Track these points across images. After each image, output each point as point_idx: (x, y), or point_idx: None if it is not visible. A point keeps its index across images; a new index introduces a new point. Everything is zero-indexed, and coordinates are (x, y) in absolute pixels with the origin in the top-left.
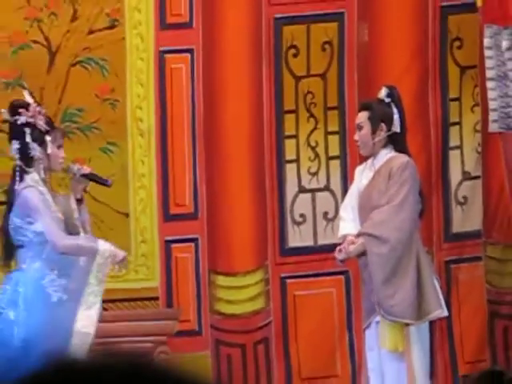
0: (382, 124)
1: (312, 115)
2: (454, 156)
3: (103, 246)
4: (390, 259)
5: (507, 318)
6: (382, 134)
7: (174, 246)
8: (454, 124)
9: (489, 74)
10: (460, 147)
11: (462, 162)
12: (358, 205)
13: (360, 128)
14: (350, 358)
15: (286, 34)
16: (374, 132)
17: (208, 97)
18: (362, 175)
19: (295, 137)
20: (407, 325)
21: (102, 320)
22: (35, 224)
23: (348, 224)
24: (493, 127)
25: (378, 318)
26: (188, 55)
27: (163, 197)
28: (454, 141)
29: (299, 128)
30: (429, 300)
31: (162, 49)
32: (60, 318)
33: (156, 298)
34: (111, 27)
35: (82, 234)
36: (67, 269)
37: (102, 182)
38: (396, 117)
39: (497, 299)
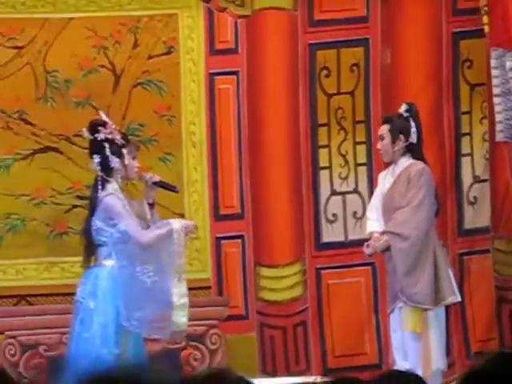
0: (401, 135)
1: (342, 128)
2: (465, 162)
3: (175, 223)
4: (411, 254)
5: None
6: (401, 144)
7: (223, 242)
8: (465, 134)
9: (495, 90)
10: (471, 154)
11: (473, 167)
12: (381, 206)
13: (382, 138)
14: (377, 338)
15: (319, 58)
16: (393, 142)
17: (251, 113)
18: (385, 180)
19: (327, 146)
20: (426, 310)
21: None
22: (118, 225)
23: (374, 223)
24: (499, 137)
25: (400, 304)
26: (234, 77)
27: (214, 199)
28: (465, 149)
29: (331, 139)
30: (444, 287)
31: (211, 71)
32: (158, 297)
33: (208, 288)
34: (168, 53)
35: (158, 223)
36: (153, 255)
37: (170, 189)
38: (413, 130)
39: (503, 286)
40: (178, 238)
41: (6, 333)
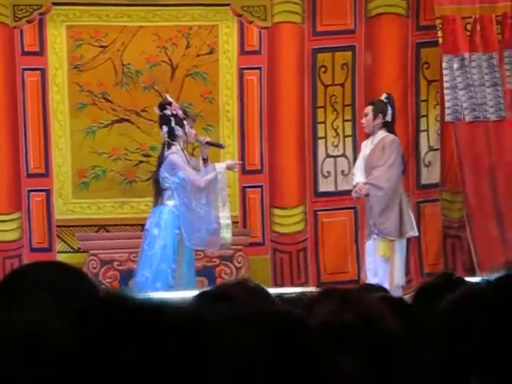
0: (380, 114)
1: (335, 109)
2: (423, 136)
3: (219, 167)
4: (384, 200)
5: (454, 238)
6: (379, 121)
7: (247, 189)
8: (423, 116)
9: (445, 85)
10: (427, 130)
11: (428, 140)
12: (363, 166)
13: (366, 115)
14: (356, 260)
15: (319, 59)
16: (374, 118)
17: (270, 97)
18: (366, 147)
19: (324, 123)
20: (392, 240)
21: None
22: (178, 174)
23: (358, 177)
24: (447, 118)
25: (374, 236)
26: (258, 71)
27: (241, 159)
28: (423, 126)
29: (326, 117)
30: (406, 225)
31: (241, 67)
32: (209, 221)
33: (236, 222)
34: (210, 53)
35: (206, 168)
36: (204, 192)
37: (218, 146)
38: (389, 111)
39: (448, 225)
40: (222, 177)
41: (90, 251)
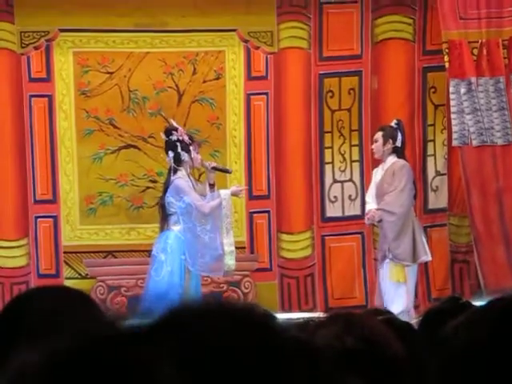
0: (390, 140)
1: (341, 134)
2: (430, 161)
3: (224, 193)
4: (397, 225)
5: (461, 262)
6: (389, 146)
7: (254, 215)
8: (430, 141)
9: (452, 109)
10: (434, 155)
11: (435, 164)
12: (375, 193)
13: (376, 141)
14: (364, 286)
15: (325, 84)
16: (384, 144)
17: (277, 122)
18: (377, 174)
19: (331, 148)
20: (407, 266)
21: None
22: (184, 199)
23: (370, 205)
24: (454, 143)
25: (387, 261)
26: (265, 96)
27: (248, 184)
28: (430, 151)
29: (333, 142)
30: (419, 249)
31: (248, 92)
32: (213, 247)
33: (244, 247)
34: (217, 78)
35: (211, 194)
36: (209, 218)
37: (225, 171)
38: (399, 137)
39: (455, 250)
40: (226, 203)
41: (98, 277)
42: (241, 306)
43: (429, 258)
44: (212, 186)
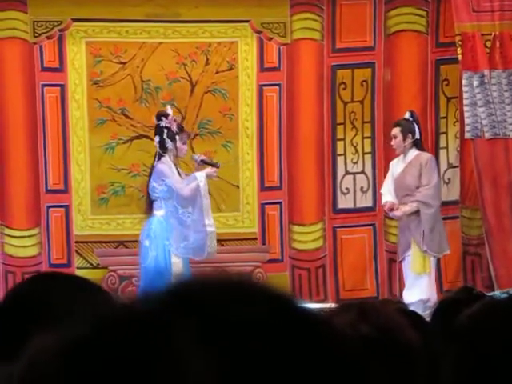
0: (409, 134)
1: (354, 126)
2: (442, 153)
3: (199, 175)
4: (433, 217)
5: (473, 255)
6: (409, 141)
7: (267, 206)
8: (443, 133)
9: (465, 102)
10: (446, 148)
11: (448, 157)
12: (393, 185)
13: (395, 137)
14: (375, 277)
15: (338, 75)
16: (404, 139)
17: (289, 114)
18: (397, 166)
19: (343, 139)
20: (434, 257)
21: (221, 252)
22: (165, 181)
23: (387, 197)
24: (467, 135)
25: (409, 253)
26: (277, 88)
27: (260, 175)
28: (442, 143)
29: (346, 134)
30: (444, 242)
31: (261, 83)
32: (197, 230)
33: (255, 239)
34: (230, 69)
35: (188, 178)
36: (189, 201)
37: (213, 165)
38: (417, 129)
39: (467, 243)
40: (203, 185)
41: (109, 267)
42: (257, 284)
43: (449, 250)
44: None
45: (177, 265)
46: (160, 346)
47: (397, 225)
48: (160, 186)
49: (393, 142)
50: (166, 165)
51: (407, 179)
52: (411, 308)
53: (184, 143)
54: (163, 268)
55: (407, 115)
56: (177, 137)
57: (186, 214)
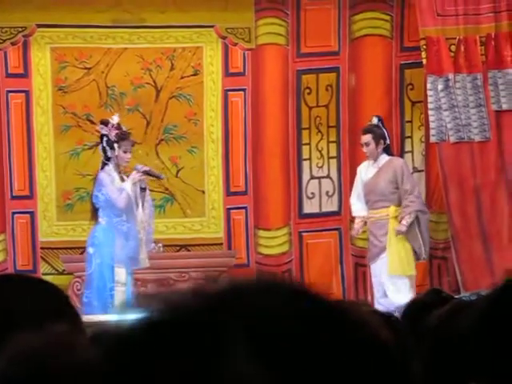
0: (381, 140)
1: (319, 131)
2: (407, 157)
3: (126, 186)
4: (427, 221)
5: (439, 259)
6: (381, 147)
7: (232, 211)
8: (408, 137)
9: (429, 106)
10: (412, 152)
11: (413, 160)
12: (363, 191)
13: (368, 145)
14: (342, 281)
15: (303, 80)
16: (377, 146)
17: (254, 119)
18: (367, 171)
19: (309, 144)
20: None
21: (187, 257)
22: (102, 191)
23: (358, 207)
24: (432, 139)
25: (383, 255)
26: (242, 93)
27: (226, 180)
28: (407, 147)
29: (311, 139)
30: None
31: (226, 88)
32: (131, 238)
33: (221, 244)
34: (195, 74)
35: (119, 188)
36: (123, 211)
37: (156, 176)
38: (386, 134)
39: (434, 247)
40: (134, 193)
41: (75, 273)
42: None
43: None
44: (143, 190)
45: (120, 273)
46: (212, 351)
47: (364, 229)
48: (100, 194)
49: (365, 149)
50: (106, 174)
51: (380, 184)
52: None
53: (125, 152)
54: (107, 276)
55: (375, 121)
56: (115, 145)
57: (121, 222)
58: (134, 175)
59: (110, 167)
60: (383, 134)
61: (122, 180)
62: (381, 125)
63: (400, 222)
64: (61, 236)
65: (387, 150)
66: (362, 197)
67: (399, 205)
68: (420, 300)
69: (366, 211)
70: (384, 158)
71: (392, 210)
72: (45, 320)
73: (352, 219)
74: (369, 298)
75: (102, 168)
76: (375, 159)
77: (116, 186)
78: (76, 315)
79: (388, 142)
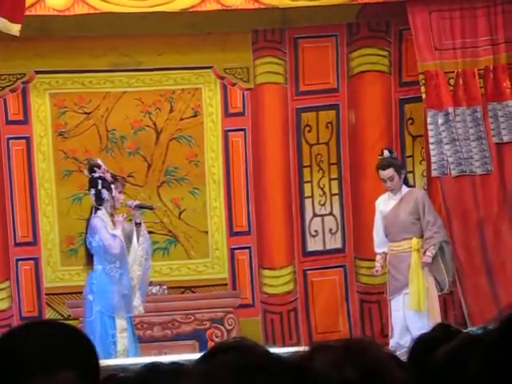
0: (402, 171)
1: (320, 168)
2: None
3: (117, 232)
4: (451, 252)
5: (445, 293)
6: (402, 178)
7: (236, 251)
8: (410, 172)
9: (430, 140)
10: (413, 186)
11: None
12: (384, 223)
13: (392, 179)
14: (348, 319)
15: (303, 118)
16: (400, 178)
17: (255, 158)
18: (387, 204)
19: (310, 182)
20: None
21: (192, 298)
22: (95, 237)
23: (378, 243)
24: (434, 173)
25: (406, 290)
26: (242, 133)
27: (229, 221)
28: (409, 182)
29: (313, 176)
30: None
31: (226, 129)
32: (123, 282)
33: (226, 284)
34: (194, 116)
35: (112, 237)
36: (117, 257)
37: (148, 207)
38: (403, 165)
39: None
40: (124, 240)
41: (80, 319)
42: None
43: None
44: (138, 224)
45: (120, 320)
46: None
47: (368, 266)
48: (94, 241)
49: (390, 184)
50: (99, 218)
51: (401, 215)
52: None
53: (120, 192)
54: (108, 323)
55: (387, 153)
56: (112, 186)
57: (114, 269)
58: (120, 219)
59: (103, 211)
60: (402, 165)
61: (113, 224)
62: (395, 156)
63: (424, 253)
64: (65, 281)
65: (406, 181)
66: (382, 231)
67: (421, 236)
68: (428, 335)
69: (387, 246)
70: (404, 189)
71: (414, 241)
72: (56, 367)
73: (357, 256)
74: (388, 333)
75: (95, 213)
76: (397, 191)
77: (109, 232)
78: (90, 359)
79: (406, 172)
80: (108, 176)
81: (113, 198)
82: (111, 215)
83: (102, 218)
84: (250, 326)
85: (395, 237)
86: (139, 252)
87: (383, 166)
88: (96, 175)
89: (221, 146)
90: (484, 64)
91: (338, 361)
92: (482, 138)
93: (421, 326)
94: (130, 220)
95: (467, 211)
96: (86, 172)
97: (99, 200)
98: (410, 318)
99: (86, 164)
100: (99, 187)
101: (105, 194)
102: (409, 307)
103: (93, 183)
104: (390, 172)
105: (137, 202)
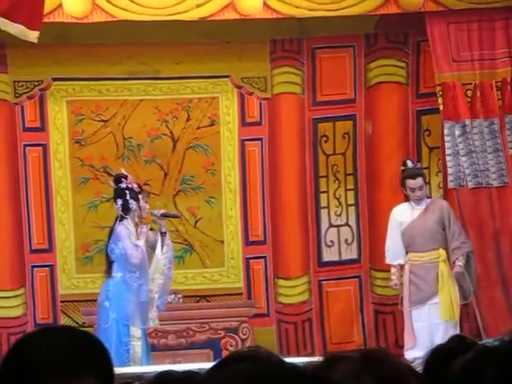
0: (426, 181)
1: (337, 179)
2: None
3: (140, 243)
4: (475, 262)
5: (460, 304)
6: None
7: (251, 261)
8: (426, 183)
9: (447, 151)
10: (430, 198)
11: None
12: (407, 234)
13: (421, 188)
14: (362, 329)
15: (320, 128)
16: (426, 187)
17: (272, 168)
18: (412, 213)
19: (326, 192)
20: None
21: (207, 307)
22: (118, 244)
23: (394, 254)
24: (450, 185)
25: (432, 301)
26: (259, 142)
27: (244, 230)
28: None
29: (329, 187)
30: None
31: (242, 138)
32: (141, 293)
33: (241, 293)
34: (211, 125)
35: (134, 247)
36: (137, 267)
37: (174, 216)
38: None
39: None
40: (147, 252)
41: (95, 326)
42: None
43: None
44: (163, 233)
45: (135, 329)
46: None
47: (383, 277)
48: (117, 248)
49: (419, 193)
50: (124, 226)
51: (428, 224)
52: None
53: (146, 202)
54: (122, 331)
55: (410, 163)
56: (139, 196)
57: (133, 278)
58: (145, 230)
59: (129, 221)
60: (425, 175)
61: (138, 235)
62: (420, 166)
63: (453, 263)
64: (80, 289)
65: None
66: (400, 242)
67: (445, 246)
68: (444, 346)
69: (403, 258)
70: (426, 199)
71: (442, 252)
72: (72, 374)
73: (372, 266)
74: (406, 343)
75: (120, 221)
76: (423, 201)
77: (132, 241)
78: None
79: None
80: (135, 186)
81: (140, 207)
82: (136, 225)
83: (127, 226)
84: (264, 335)
85: (420, 247)
86: (162, 261)
87: (414, 175)
88: (123, 186)
89: (237, 156)
90: (501, 76)
91: (357, 371)
92: (498, 151)
93: (448, 335)
94: (152, 229)
95: (483, 223)
96: (111, 183)
97: (126, 210)
98: (438, 328)
99: (113, 175)
100: (127, 197)
101: (132, 204)
102: (441, 317)
103: (120, 194)
104: (420, 181)
105: (162, 211)
